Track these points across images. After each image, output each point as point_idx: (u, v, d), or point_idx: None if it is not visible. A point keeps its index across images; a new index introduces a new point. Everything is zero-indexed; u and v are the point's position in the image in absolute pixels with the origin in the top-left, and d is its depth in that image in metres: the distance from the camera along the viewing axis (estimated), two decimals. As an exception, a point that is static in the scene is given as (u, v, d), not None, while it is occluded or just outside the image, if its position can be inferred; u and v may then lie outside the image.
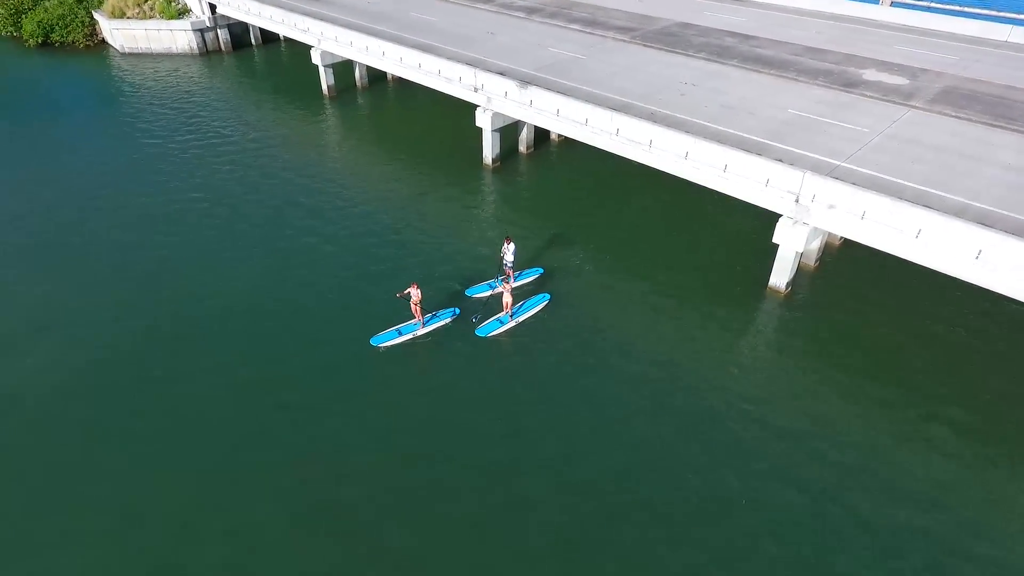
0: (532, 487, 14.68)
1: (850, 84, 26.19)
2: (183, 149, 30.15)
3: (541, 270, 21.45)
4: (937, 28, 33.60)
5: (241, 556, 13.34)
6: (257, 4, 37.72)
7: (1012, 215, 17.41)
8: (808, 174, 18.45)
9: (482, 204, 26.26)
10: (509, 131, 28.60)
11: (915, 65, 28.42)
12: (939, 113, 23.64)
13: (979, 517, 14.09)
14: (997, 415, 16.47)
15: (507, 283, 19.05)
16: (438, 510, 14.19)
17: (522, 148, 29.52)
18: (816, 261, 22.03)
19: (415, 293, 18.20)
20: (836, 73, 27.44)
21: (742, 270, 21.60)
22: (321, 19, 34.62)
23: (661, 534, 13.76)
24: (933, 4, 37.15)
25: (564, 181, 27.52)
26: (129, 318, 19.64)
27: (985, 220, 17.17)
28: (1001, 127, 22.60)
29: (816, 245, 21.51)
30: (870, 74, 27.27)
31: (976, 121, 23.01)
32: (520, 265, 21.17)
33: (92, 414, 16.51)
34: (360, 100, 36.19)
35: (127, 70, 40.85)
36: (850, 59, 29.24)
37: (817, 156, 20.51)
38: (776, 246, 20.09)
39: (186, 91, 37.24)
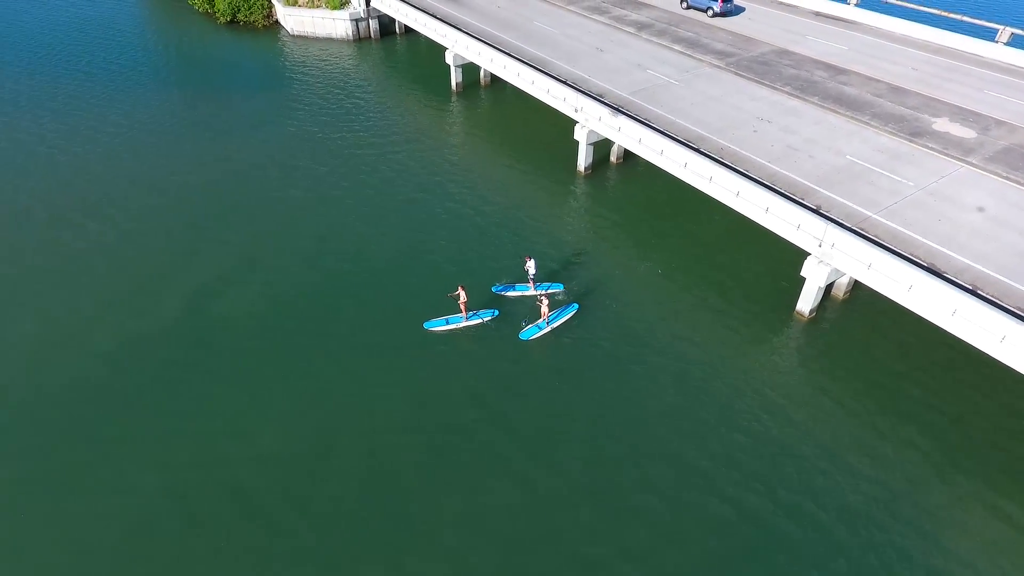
0: (560, 453, 20.32)
1: (916, 133, 28.65)
2: (334, 128, 37.19)
3: (561, 285, 25.67)
4: (1039, 73, 34.29)
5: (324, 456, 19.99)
6: (404, 5, 43.93)
7: (1006, 281, 20.49)
8: (830, 225, 22.21)
9: (567, 209, 31.36)
10: (602, 143, 33.23)
11: (994, 116, 30.09)
12: (990, 172, 25.95)
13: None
14: (987, 438, 20.07)
15: (544, 296, 23.45)
16: (480, 463, 20.17)
17: (613, 159, 34.11)
18: (846, 292, 25.55)
19: (462, 295, 23.19)
20: (908, 120, 29.80)
21: (775, 293, 25.58)
22: (455, 25, 40.33)
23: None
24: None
25: (641, 195, 31.93)
26: (303, 268, 26.80)
27: (979, 282, 20.44)
28: (1047, 193, 24.78)
29: (846, 279, 25.08)
30: (941, 123, 29.43)
31: (1021, 184, 25.24)
32: (546, 280, 25.82)
33: (277, 328, 23.73)
34: (482, 96, 41.82)
35: (294, 50, 48.75)
36: (929, 104, 31.24)
37: (853, 205, 23.99)
38: (804, 278, 24.02)
39: (339, 73, 44.48)
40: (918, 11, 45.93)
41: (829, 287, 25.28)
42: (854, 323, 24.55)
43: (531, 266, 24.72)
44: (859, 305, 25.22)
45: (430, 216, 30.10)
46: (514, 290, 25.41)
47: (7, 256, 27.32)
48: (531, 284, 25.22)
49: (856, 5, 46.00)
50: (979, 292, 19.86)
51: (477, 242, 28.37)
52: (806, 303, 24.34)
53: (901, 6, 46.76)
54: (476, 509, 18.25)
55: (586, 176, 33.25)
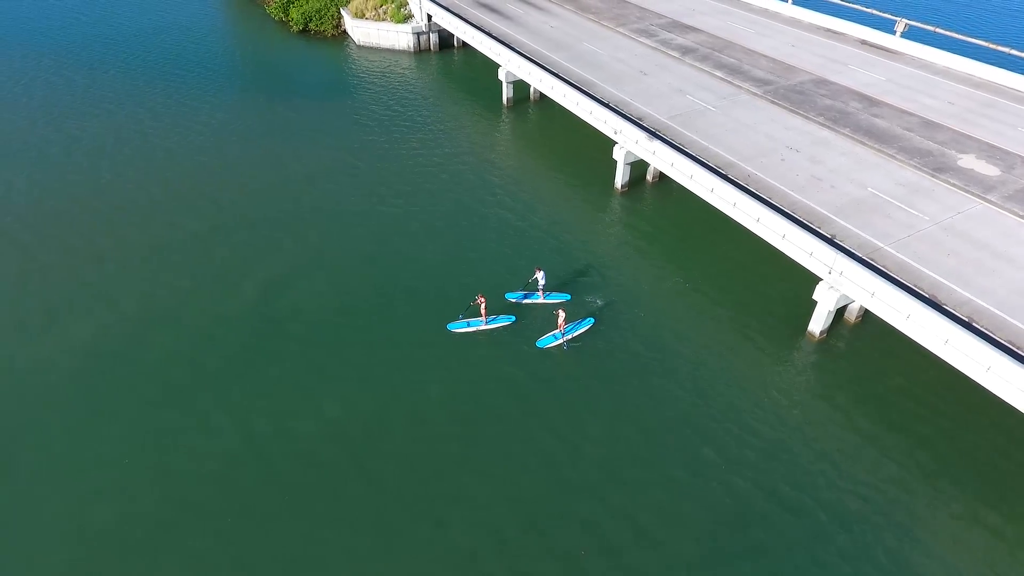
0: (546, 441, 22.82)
1: (940, 169, 29.99)
2: (393, 135, 40.45)
3: (568, 296, 28.01)
4: (1077, 112, 34.88)
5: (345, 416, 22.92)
6: (462, 23, 46.97)
7: (1003, 315, 22.01)
8: (839, 254, 24.06)
9: (602, 223, 33.74)
10: (639, 163, 35.43)
11: (1022, 154, 31.10)
12: (1007, 211, 27.21)
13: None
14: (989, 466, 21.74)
15: (561, 310, 25.78)
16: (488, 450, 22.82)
17: (648, 179, 36.30)
18: (857, 317, 27.23)
19: (482, 302, 25.85)
20: (935, 155, 31.11)
21: (790, 313, 27.43)
22: (508, 43, 43.13)
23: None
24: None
25: (672, 214, 34.01)
26: (362, 266, 30.02)
27: (977, 315, 22.03)
28: (1059, 233, 25.94)
29: (857, 305, 26.77)
30: (967, 160, 30.65)
31: (1037, 223, 26.45)
32: (555, 289, 28.17)
33: (342, 315, 26.95)
34: (530, 112, 44.54)
35: (359, 59, 52.47)
36: (959, 140, 32.42)
37: (866, 236, 25.72)
38: (815, 302, 25.87)
39: (399, 83, 47.89)
40: (965, 43, 46.48)
41: (842, 311, 27.11)
42: (862, 345, 26.26)
43: (540, 276, 27.17)
44: (869, 329, 26.85)
45: (478, 221, 32.95)
46: (526, 298, 27.86)
47: (116, 243, 31.27)
48: (540, 293, 27.72)
49: (902, 35, 46.93)
50: (972, 324, 21.48)
51: (518, 249, 31.06)
52: (817, 324, 26.17)
53: (949, 36, 47.32)
54: (504, 479, 20.96)
55: (622, 193, 35.56)
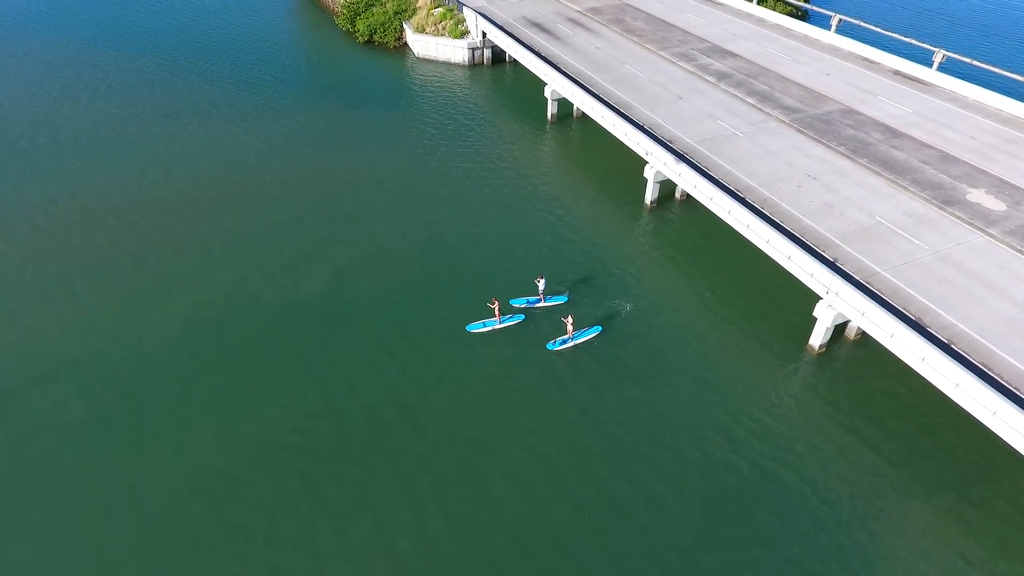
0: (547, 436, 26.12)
1: (948, 201, 32.08)
2: (446, 143, 44.37)
3: (566, 298, 31.18)
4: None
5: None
6: (513, 42, 50.64)
7: (981, 340, 24.33)
8: (836, 276, 26.69)
9: (630, 235, 36.83)
10: (667, 182, 38.30)
11: (1032, 191, 32.91)
12: (1006, 244, 29.24)
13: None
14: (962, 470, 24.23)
15: (571, 316, 28.78)
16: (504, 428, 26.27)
17: (676, 196, 39.21)
18: (856, 335, 29.66)
19: (496, 305, 29.19)
20: (946, 188, 33.17)
21: (793, 327, 30.05)
22: (555, 62, 46.55)
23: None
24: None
25: (695, 230, 36.77)
26: (412, 266, 33.99)
27: (956, 338, 24.42)
28: (1053, 268, 27.89)
29: (856, 324, 29.21)
30: (976, 194, 32.62)
31: (1033, 258, 28.43)
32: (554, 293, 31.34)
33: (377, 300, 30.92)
34: (572, 128, 47.86)
35: (417, 70, 56.75)
36: (973, 174, 34.32)
37: (866, 261, 28.22)
38: (815, 318, 28.50)
39: (453, 94, 51.89)
40: (1003, 77, 47.66)
41: (843, 328, 29.60)
42: (856, 359, 28.75)
43: (541, 284, 30.50)
44: (865, 348, 29.24)
45: (516, 230, 36.47)
46: (529, 303, 30.89)
47: (214, 228, 35.92)
48: (541, 297, 30.91)
49: (939, 66, 48.41)
50: (949, 345, 23.91)
51: (551, 257, 34.49)
52: (816, 339, 28.79)
53: (986, 69, 48.55)
54: (525, 448, 24.49)
55: (651, 209, 38.59)
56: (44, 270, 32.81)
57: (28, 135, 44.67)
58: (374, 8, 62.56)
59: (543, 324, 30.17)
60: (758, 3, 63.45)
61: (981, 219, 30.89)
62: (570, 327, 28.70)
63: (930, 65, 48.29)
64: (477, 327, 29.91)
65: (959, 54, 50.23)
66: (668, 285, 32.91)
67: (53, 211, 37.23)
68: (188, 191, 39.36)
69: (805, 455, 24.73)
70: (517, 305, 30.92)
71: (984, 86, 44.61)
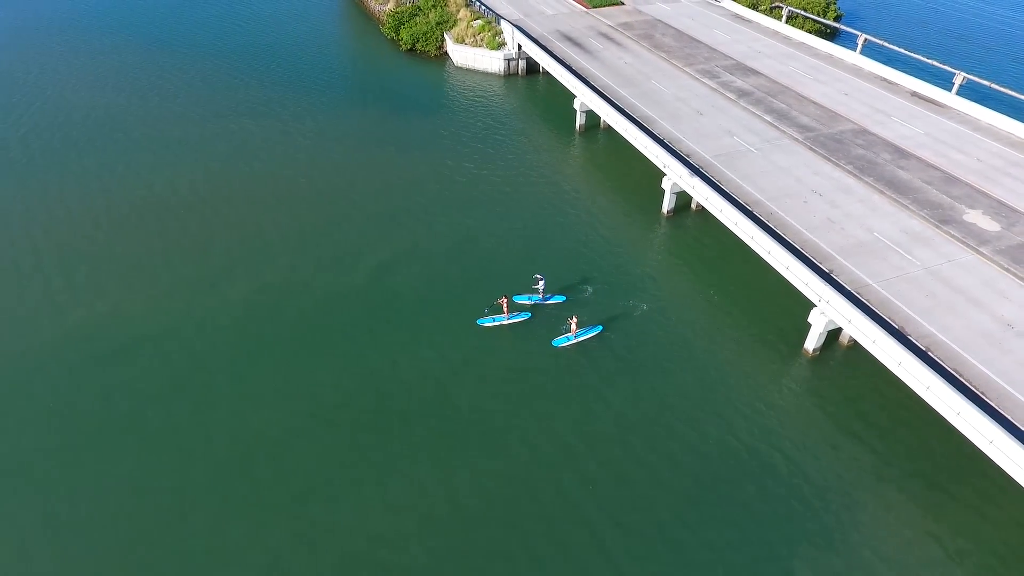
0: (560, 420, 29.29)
1: (945, 221, 34.36)
2: (480, 148, 47.86)
3: (564, 297, 34.28)
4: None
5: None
6: (546, 55, 53.92)
7: (956, 348, 26.84)
8: (827, 286, 29.39)
9: (647, 241, 39.86)
10: (683, 193, 41.10)
11: (1029, 213, 34.98)
12: (994, 263, 31.50)
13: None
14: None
15: (575, 317, 31.72)
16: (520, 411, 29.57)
17: (692, 206, 42.04)
18: (849, 341, 32.22)
19: (504, 302, 32.25)
20: (945, 207, 35.42)
21: (790, 331, 32.71)
22: (584, 77, 49.65)
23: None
24: None
25: (707, 239, 39.47)
26: (447, 263, 37.58)
27: (934, 347, 26.97)
28: (1036, 286, 30.09)
29: (850, 330, 31.80)
30: (973, 215, 34.82)
31: (1019, 277, 30.65)
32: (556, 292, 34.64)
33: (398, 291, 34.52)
34: (599, 138, 50.91)
35: (456, 78, 60.42)
36: (973, 195, 36.47)
37: (860, 274, 30.80)
38: (810, 324, 31.20)
39: (489, 102, 55.38)
40: (1018, 99, 49.27)
41: (836, 334, 32.20)
42: (847, 362, 31.34)
43: (541, 284, 33.62)
44: (856, 353, 31.72)
45: (541, 234, 39.80)
46: (530, 300, 33.99)
47: (270, 221, 40.05)
48: (541, 295, 34.01)
49: (959, 88, 50.19)
50: (924, 352, 26.49)
51: (573, 259, 37.73)
52: (810, 343, 31.49)
53: (1005, 93, 50.18)
54: (546, 425, 27.84)
55: (668, 217, 41.51)
56: (127, 253, 37.30)
57: (106, 131, 49.56)
58: (417, 18, 66.39)
59: (548, 322, 33.36)
60: (787, 22, 65.59)
61: (974, 238, 33.14)
62: (574, 326, 31.80)
63: (951, 88, 50.10)
64: (486, 322, 33.13)
65: (980, 77, 51.97)
66: (680, 288, 35.89)
67: (133, 201, 41.81)
68: (248, 186, 43.62)
69: (794, 441, 27.50)
70: (521, 302, 34.04)
71: (1005, 108, 46.30)
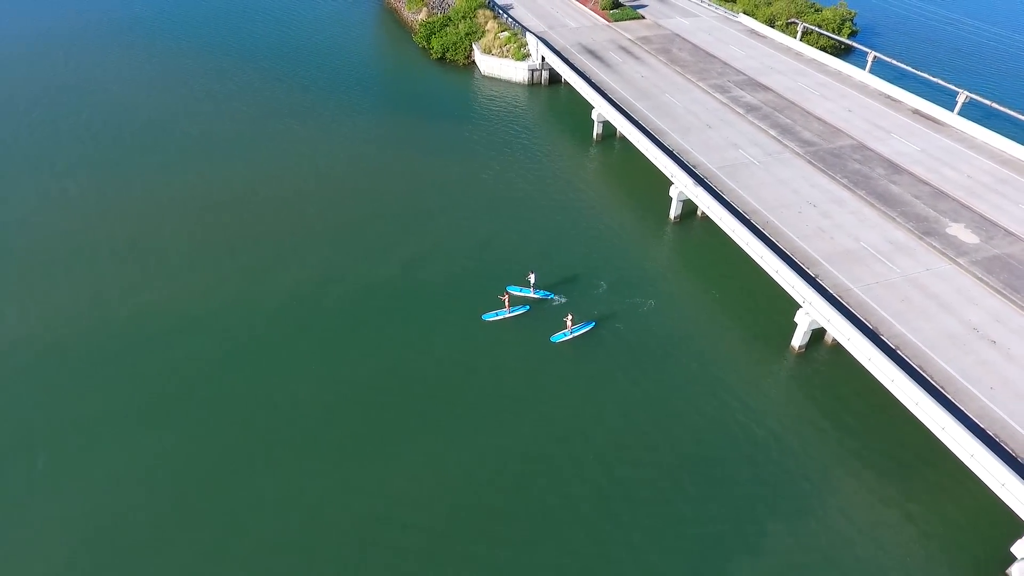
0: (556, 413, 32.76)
1: (928, 232, 37.20)
2: (502, 153, 51.56)
3: (552, 294, 37.58)
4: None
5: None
6: (567, 68, 57.46)
7: (923, 348, 29.84)
8: (810, 289, 32.53)
9: (653, 244, 43.21)
10: (690, 201, 44.39)
11: (1007, 227, 37.60)
12: (968, 273, 34.29)
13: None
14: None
15: (570, 315, 35.02)
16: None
17: (698, 214, 45.24)
18: (833, 340, 35.26)
19: (506, 298, 35.72)
20: (929, 220, 38.23)
21: (778, 330, 35.83)
22: (601, 89, 53.12)
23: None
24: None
25: (710, 244, 42.61)
26: (469, 260, 41.34)
27: (904, 347, 30.00)
28: (1008, 298, 32.80)
29: (834, 330, 34.85)
30: (955, 228, 37.60)
31: (990, 287, 33.44)
32: (546, 289, 38.16)
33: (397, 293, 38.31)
34: (614, 147, 54.33)
35: (482, 86, 64.27)
36: (958, 210, 39.21)
37: (843, 279, 33.86)
38: (796, 323, 34.34)
39: (512, 109, 59.11)
40: (1016, 119, 51.59)
41: (822, 333, 35.28)
42: (829, 358, 34.42)
43: (532, 278, 37.00)
44: (839, 349, 34.67)
45: (557, 236, 43.40)
46: (521, 292, 37.37)
47: (305, 220, 44.37)
48: (532, 290, 37.40)
49: (962, 107, 52.68)
50: (893, 350, 29.56)
51: (585, 259, 41.29)
52: (796, 341, 34.64)
53: (1006, 113, 52.50)
54: (547, 410, 31.44)
55: (674, 223, 44.82)
56: (190, 242, 41.72)
57: (168, 130, 54.31)
58: (448, 29, 70.35)
59: (548, 315, 36.82)
60: (801, 38, 68.30)
61: (953, 249, 35.96)
62: (569, 322, 35.14)
63: (954, 105, 52.58)
64: (489, 316, 36.65)
65: (983, 96, 54.35)
66: (684, 287, 39.24)
67: (195, 195, 46.32)
68: (294, 185, 47.88)
69: (782, 423, 30.75)
70: (513, 292, 37.30)
71: (1007, 126, 48.68)
